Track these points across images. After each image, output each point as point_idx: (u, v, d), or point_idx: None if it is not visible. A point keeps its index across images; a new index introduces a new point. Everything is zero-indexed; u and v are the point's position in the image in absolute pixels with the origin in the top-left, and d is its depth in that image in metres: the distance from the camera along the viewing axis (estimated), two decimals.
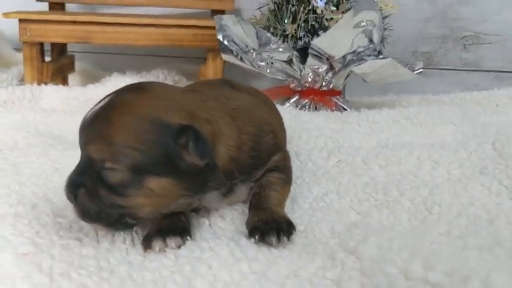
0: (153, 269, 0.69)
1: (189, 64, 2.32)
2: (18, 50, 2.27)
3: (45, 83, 1.82)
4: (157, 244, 0.74)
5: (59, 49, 2.11)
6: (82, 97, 1.73)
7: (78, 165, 0.78)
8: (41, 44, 1.86)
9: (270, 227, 0.77)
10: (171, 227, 0.77)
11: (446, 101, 2.01)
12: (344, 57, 1.71)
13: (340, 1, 1.66)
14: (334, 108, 1.80)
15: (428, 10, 2.18)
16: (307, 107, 1.80)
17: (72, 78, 2.27)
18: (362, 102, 1.99)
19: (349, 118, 1.64)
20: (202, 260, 0.71)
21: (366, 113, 1.69)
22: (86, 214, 0.76)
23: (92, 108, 0.79)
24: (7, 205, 0.90)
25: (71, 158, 1.20)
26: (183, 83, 2.11)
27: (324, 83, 1.79)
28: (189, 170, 0.76)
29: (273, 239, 0.75)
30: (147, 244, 0.75)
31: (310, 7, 1.65)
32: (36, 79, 1.83)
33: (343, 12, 1.63)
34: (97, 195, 0.75)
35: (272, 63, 1.73)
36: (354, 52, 1.71)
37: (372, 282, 0.64)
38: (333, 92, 1.83)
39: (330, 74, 1.77)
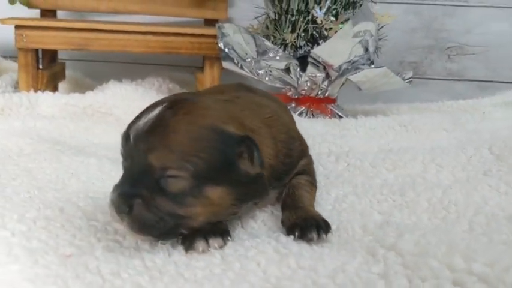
0: (203, 268, 0.70)
1: (180, 72, 2.33)
2: (4, 57, 2.24)
3: (41, 91, 1.79)
4: (200, 245, 0.75)
5: (50, 57, 2.09)
6: (81, 104, 1.72)
7: (129, 175, 0.77)
8: (36, 51, 1.84)
9: (309, 223, 0.80)
10: (212, 229, 0.78)
11: (435, 109, 2.09)
12: (339, 66, 1.76)
13: (339, 12, 1.71)
14: (330, 115, 1.85)
15: (414, 21, 2.26)
16: (303, 114, 1.84)
17: (60, 86, 2.24)
18: (354, 110, 2.05)
19: (347, 125, 1.69)
20: (250, 257, 0.73)
21: (363, 120, 1.74)
22: (142, 226, 0.74)
23: (141, 118, 0.78)
24: (34, 209, 0.89)
25: (84, 163, 1.22)
26: (177, 90, 2.12)
27: (319, 91, 1.83)
28: (241, 179, 0.78)
29: (314, 235, 0.78)
30: (189, 245, 0.76)
31: (310, 17, 1.70)
32: (31, 86, 1.80)
33: (341, 23, 1.68)
34: (155, 206, 0.74)
35: (270, 71, 1.77)
36: (349, 61, 1.76)
37: (418, 275, 0.67)
38: (328, 100, 1.88)
39: (326, 83, 1.81)
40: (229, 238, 0.79)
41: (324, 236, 0.79)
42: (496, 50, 2.25)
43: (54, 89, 2.09)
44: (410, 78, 1.92)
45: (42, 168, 1.17)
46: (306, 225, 0.79)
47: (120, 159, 1.28)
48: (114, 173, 1.14)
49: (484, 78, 2.28)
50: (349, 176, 1.19)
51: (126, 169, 0.79)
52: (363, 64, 1.81)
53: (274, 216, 0.91)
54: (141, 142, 0.75)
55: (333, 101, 1.90)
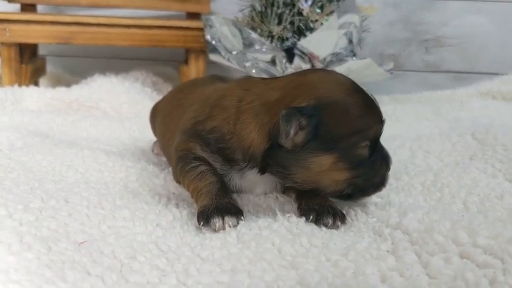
0: (219, 247, 0.72)
1: (162, 66, 2.32)
2: None
3: (26, 85, 1.77)
4: (217, 222, 0.78)
5: (31, 52, 2.06)
6: (67, 98, 1.70)
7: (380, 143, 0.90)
8: (19, 46, 1.81)
9: (326, 210, 0.83)
10: (228, 207, 0.81)
11: (414, 100, 2.15)
12: (324, 58, 1.79)
13: (324, 4, 1.74)
14: None
15: (393, 15, 2.32)
16: None
17: (41, 82, 2.21)
18: None
19: None
20: (264, 237, 0.74)
21: None
22: None
23: (371, 101, 0.86)
24: (37, 200, 0.89)
25: (78, 155, 1.21)
26: (160, 84, 2.12)
27: None
28: None
29: (330, 220, 0.81)
30: (205, 220, 0.79)
31: (296, 9, 1.72)
32: (15, 81, 1.77)
33: (327, 15, 1.71)
34: None
35: (257, 63, 1.78)
36: (333, 53, 1.80)
37: (426, 250, 0.70)
38: None
39: None
40: (242, 218, 0.81)
41: (338, 223, 0.81)
42: (472, 42, 2.33)
43: (35, 84, 2.05)
44: (391, 69, 1.97)
45: (36, 161, 1.16)
46: (322, 211, 0.82)
47: (112, 150, 1.30)
48: (112, 163, 1.14)
49: (460, 69, 2.36)
50: None
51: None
52: (347, 56, 1.84)
53: (279, 202, 0.93)
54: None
55: None
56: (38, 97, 1.70)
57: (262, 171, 0.87)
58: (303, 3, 1.68)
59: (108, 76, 1.88)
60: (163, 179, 1.06)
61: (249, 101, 0.87)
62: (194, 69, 1.91)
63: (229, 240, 0.74)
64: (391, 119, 1.76)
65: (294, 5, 1.72)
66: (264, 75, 1.83)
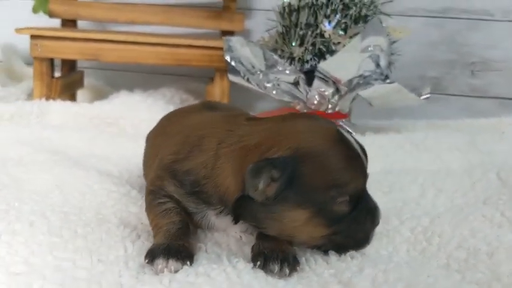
0: None
1: (195, 83, 2.33)
2: (29, 65, 2.30)
3: (54, 99, 1.83)
4: (160, 264, 0.75)
5: (69, 65, 2.14)
6: (89, 114, 1.74)
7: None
8: (51, 60, 1.89)
9: (275, 255, 0.77)
10: (180, 250, 0.77)
11: (453, 127, 2.00)
12: (350, 80, 1.72)
13: (349, 26, 1.67)
14: None
15: (435, 35, 2.18)
16: None
17: (80, 93, 2.29)
18: (367, 126, 1.98)
19: None
20: (196, 284, 0.70)
21: (372, 137, 1.69)
22: None
23: (350, 143, 0.83)
24: (5, 222, 0.90)
25: (73, 175, 1.22)
26: (191, 101, 2.12)
27: (330, 106, 1.79)
28: None
29: (276, 267, 0.75)
30: (150, 259, 0.76)
31: (318, 31, 1.66)
32: (45, 94, 1.84)
33: (350, 37, 1.64)
34: None
35: (278, 84, 1.74)
36: (360, 76, 1.71)
37: None
38: (339, 115, 1.83)
39: (336, 97, 1.77)
40: (188, 263, 0.76)
41: (286, 270, 0.75)
42: None
43: (71, 97, 2.12)
44: (427, 94, 1.84)
45: (32, 179, 1.18)
46: (271, 256, 0.77)
47: (112, 170, 1.30)
48: (97, 186, 1.14)
49: (506, 95, 2.17)
50: None
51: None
52: (376, 79, 1.75)
53: (242, 242, 0.88)
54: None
55: (345, 116, 1.85)
56: (63, 111, 1.75)
57: (236, 220, 0.83)
58: (326, 24, 1.62)
59: (133, 93, 1.91)
60: (140, 206, 1.04)
61: (229, 144, 0.84)
62: (218, 89, 1.89)
63: (158, 287, 0.70)
64: (418, 148, 1.64)
65: (316, 26, 1.66)
66: (286, 97, 1.79)
